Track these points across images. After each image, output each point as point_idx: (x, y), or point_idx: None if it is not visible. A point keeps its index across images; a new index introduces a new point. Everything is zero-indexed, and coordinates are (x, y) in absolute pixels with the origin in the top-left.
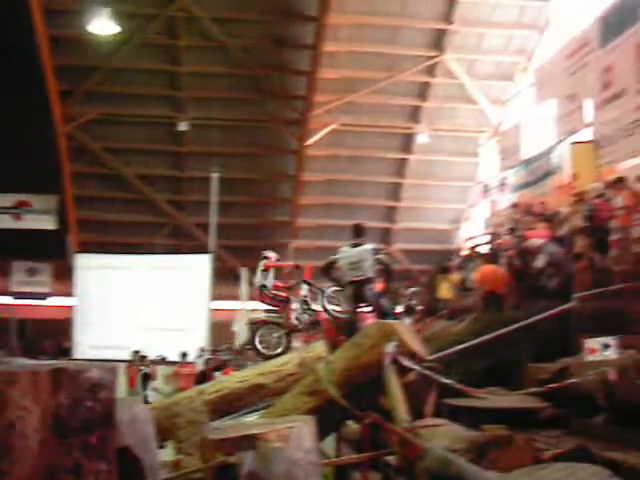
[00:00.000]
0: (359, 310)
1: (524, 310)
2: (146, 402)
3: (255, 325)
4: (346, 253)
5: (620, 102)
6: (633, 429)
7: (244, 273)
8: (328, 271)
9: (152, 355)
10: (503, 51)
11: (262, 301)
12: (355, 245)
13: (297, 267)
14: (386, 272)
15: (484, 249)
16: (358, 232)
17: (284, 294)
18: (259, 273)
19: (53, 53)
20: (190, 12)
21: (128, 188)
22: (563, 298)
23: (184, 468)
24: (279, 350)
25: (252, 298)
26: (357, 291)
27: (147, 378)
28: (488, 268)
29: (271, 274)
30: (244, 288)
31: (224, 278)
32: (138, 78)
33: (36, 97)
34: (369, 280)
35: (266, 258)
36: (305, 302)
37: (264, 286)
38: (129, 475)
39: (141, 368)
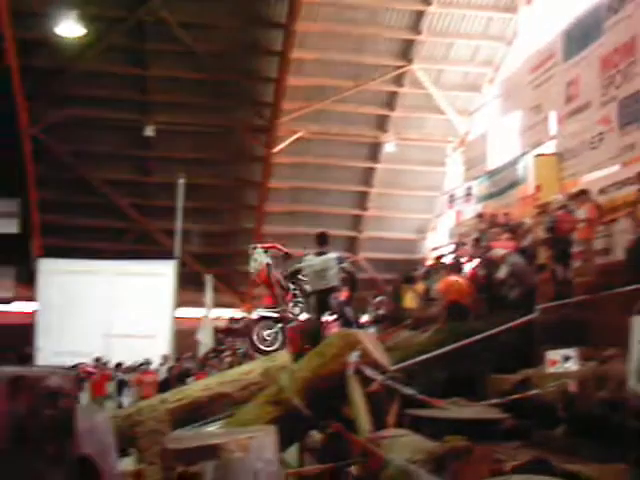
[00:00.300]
0: (323, 319)
1: (487, 321)
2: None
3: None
4: (311, 262)
5: (584, 115)
6: (592, 441)
7: (209, 280)
8: (293, 279)
9: (115, 362)
10: (470, 62)
11: (264, 282)
12: (320, 254)
13: (288, 255)
14: (351, 281)
15: (448, 259)
16: (322, 241)
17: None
18: (260, 254)
19: (20, 55)
20: (158, 16)
21: (93, 192)
22: (525, 309)
23: (145, 478)
24: (276, 345)
25: (217, 305)
26: (321, 300)
27: (123, 385)
28: (452, 278)
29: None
30: (209, 295)
31: (189, 284)
32: (105, 81)
33: (1, 99)
34: (333, 289)
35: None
36: (295, 295)
37: (270, 265)
38: None
39: (116, 375)
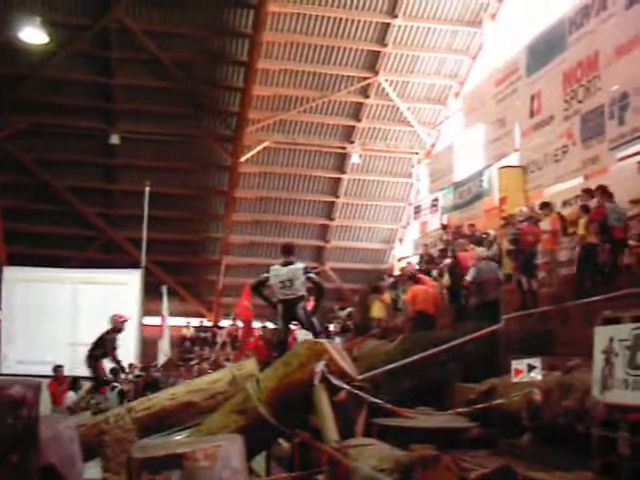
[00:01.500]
0: (290, 328)
1: (453, 330)
2: None
3: None
4: (277, 272)
5: (547, 129)
6: (558, 449)
7: (165, 289)
8: (258, 289)
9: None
10: (436, 75)
11: None
12: (286, 264)
13: None
14: (317, 291)
15: (415, 269)
16: (288, 251)
17: None
18: None
19: None
20: (123, 24)
21: (58, 200)
22: (490, 319)
23: None
24: None
25: (183, 314)
26: (288, 309)
27: (123, 395)
28: (419, 288)
29: None
30: (165, 305)
31: (155, 294)
32: (70, 89)
33: None
34: (300, 298)
35: None
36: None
37: None
38: None
39: (115, 385)
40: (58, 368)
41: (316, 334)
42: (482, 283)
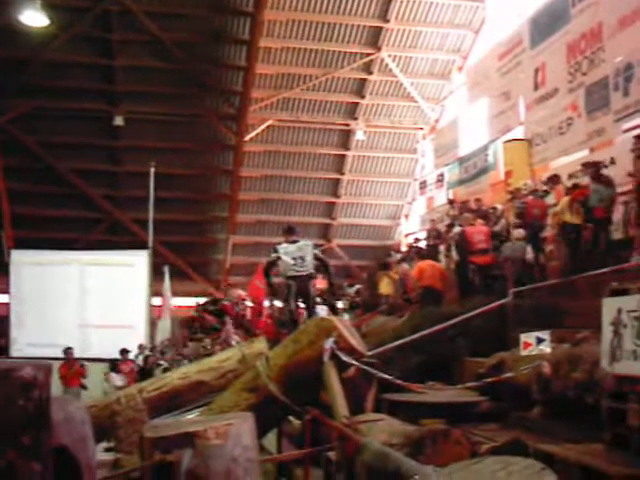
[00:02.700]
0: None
1: (460, 305)
2: None
3: None
4: (286, 249)
5: (552, 101)
6: (567, 422)
7: (167, 270)
8: (268, 271)
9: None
10: (439, 50)
11: None
12: (293, 242)
13: None
14: (324, 268)
15: (422, 244)
16: (290, 231)
17: None
18: None
19: None
20: (124, 5)
21: (63, 183)
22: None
23: (123, 467)
24: None
25: (175, 294)
26: (301, 286)
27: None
28: (426, 263)
29: None
30: (167, 284)
31: (163, 274)
32: (72, 71)
33: None
34: (312, 276)
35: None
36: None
37: None
38: (65, 475)
39: (160, 363)
40: (68, 350)
41: (334, 311)
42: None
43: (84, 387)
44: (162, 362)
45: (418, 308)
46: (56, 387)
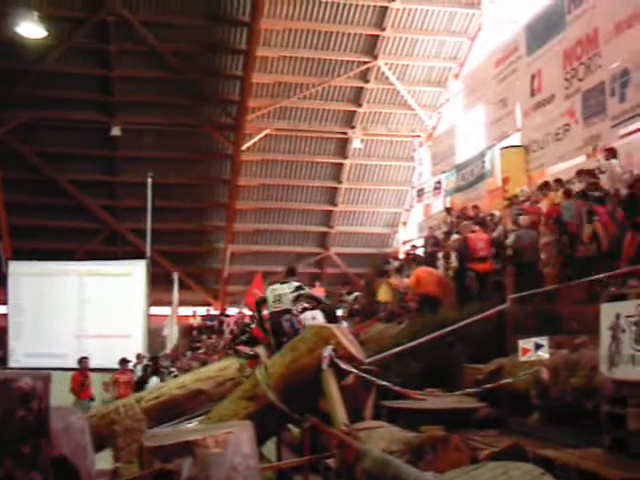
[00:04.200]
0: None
1: (459, 311)
2: None
3: None
4: (274, 289)
5: (548, 108)
6: (566, 427)
7: (176, 277)
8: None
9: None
10: (435, 57)
11: None
12: (283, 282)
13: None
14: (316, 302)
15: (420, 252)
16: (288, 273)
17: None
18: None
19: None
20: (121, 16)
21: (61, 194)
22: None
23: (122, 476)
24: None
25: (189, 303)
26: (275, 322)
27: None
28: (423, 270)
29: None
30: (175, 292)
31: (160, 284)
32: (70, 82)
33: None
34: (287, 311)
35: None
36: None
37: None
38: None
39: (171, 370)
40: (83, 360)
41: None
42: (521, 249)
43: (92, 399)
44: (173, 369)
45: (416, 315)
46: (64, 398)
